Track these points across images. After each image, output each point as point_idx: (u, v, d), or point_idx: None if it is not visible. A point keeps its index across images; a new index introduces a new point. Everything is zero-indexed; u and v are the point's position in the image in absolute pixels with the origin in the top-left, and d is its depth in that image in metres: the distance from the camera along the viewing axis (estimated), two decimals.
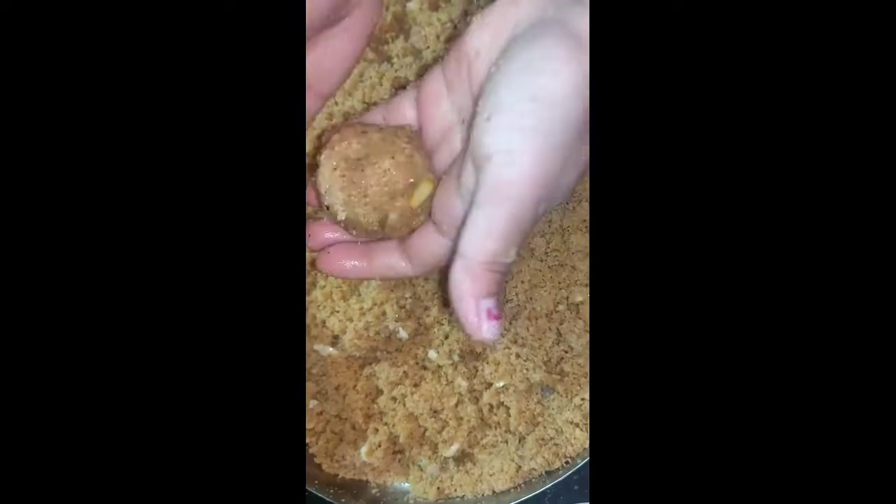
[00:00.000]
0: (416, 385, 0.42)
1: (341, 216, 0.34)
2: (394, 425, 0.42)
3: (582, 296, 0.40)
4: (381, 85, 0.42)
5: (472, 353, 0.41)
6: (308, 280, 0.43)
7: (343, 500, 0.41)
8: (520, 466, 0.40)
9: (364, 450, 0.42)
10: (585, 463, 0.38)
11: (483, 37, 0.31)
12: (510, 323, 0.40)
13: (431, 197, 0.35)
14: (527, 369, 0.40)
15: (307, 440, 0.43)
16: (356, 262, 0.37)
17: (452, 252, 0.30)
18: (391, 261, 0.37)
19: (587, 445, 0.39)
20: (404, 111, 0.36)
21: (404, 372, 0.42)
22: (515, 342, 0.40)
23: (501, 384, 0.40)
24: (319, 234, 0.38)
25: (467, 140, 0.31)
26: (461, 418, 0.41)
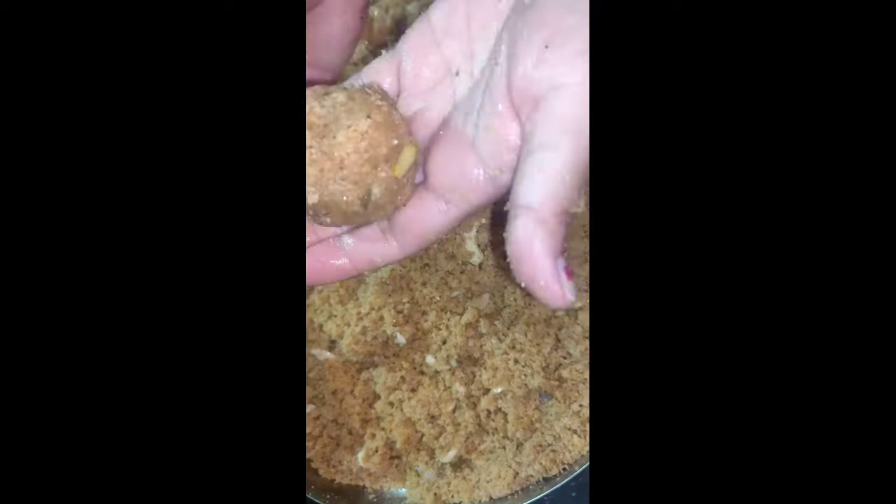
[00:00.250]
0: (413, 390, 0.41)
1: (312, 199, 0.29)
2: (391, 430, 0.41)
3: (581, 301, 0.40)
4: None
5: (470, 359, 0.41)
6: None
7: None
8: (517, 473, 0.39)
9: (361, 455, 0.42)
10: (583, 470, 0.38)
11: None
12: (508, 328, 0.40)
13: (416, 165, 0.30)
14: (525, 375, 0.39)
15: None
16: (337, 261, 0.32)
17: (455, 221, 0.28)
18: (376, 247, 0.32)
19: (585, 452, 0.39)
20: (381, 76, 0.32)
21: (402, 377, 0.41)
22: (513, 348, 0.40)
23: (499, 390, 0.40)
24: None
25: (475, 89, 0.28)
26: (458, 424, 0.40)
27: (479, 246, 0.42)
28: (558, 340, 0.40)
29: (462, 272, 0.41)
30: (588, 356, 0.39)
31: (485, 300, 0.41)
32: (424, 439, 0.41)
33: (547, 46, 0.25)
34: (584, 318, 0.40)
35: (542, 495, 0.38)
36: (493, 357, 0.40)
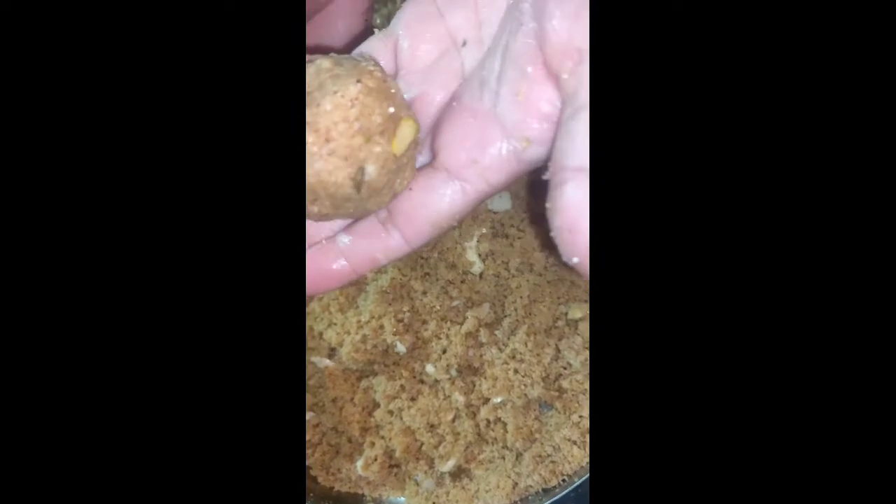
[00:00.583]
0: (413, 399, 0.41)
1: None
2: (390, 439, 0.41)
3: (581, 312, 0.40)
4: None
5: (470, 368, 0.41)
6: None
7: None
8: (516, 483, 0.39)
9: (360, 463, 0.42)
10: (583, 481, 0.38)
11: None
12: (508, 338, 0.40)
13: (416, 143, 0.27)
14: (525, 385, 0.39)
15: None
16: (334, 265, 0.29)
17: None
18: (377, 242, 0.29)
19: (584, 463, 0.39)
20: (376, 54, 0.29)
21: (401, 385, 0.41)
22: (513, 357, 0.40)
23: (499, 399, 0.40)
24: None
25: (489, 57, 0.26)
26: (458, 433, 0.40)
27: (479, 255, 0.41)
28: (558, 351, 0.40)
29: (462, 282, 0.41)
30: (588, 367, 0.39)
31: (485, 310, 0.41)
32: (424, 448, 0.41)
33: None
34: (585, 328, 0.40)
35: None
36: (493, 367, 0.40)
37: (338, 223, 0.30)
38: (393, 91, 0.26)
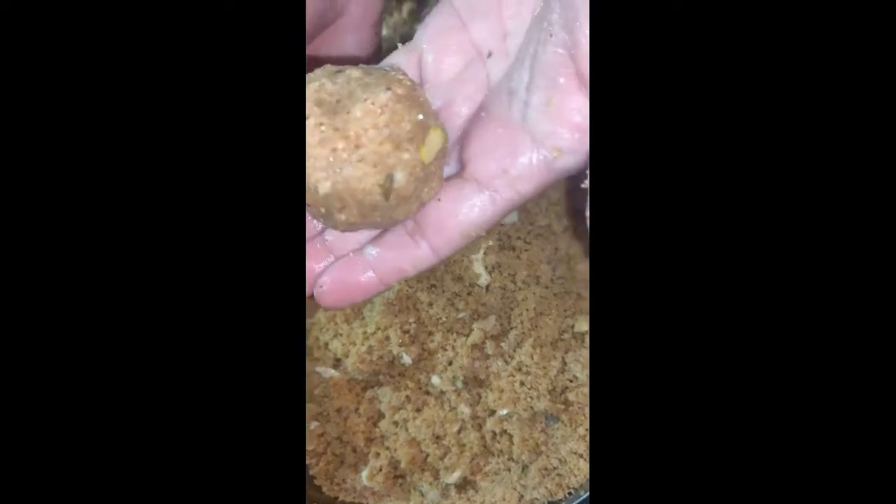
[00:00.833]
0: (418, 410, 0.41)
1: (324, 188, 0.25)
2: (395, 450, 0.41)
3: (587, 325, 0.40)
4: None
5: (476, 380, 0.41)
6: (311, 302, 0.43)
7: None
8: (522, 496, 0.39)
9: (365, 474, 0.42)
10: (588, 494, 0.38)
11: None
12: (514, 350, 0.40)
13: (444, 152, 0.27)
14: (531, 398, 0.39)
15: (307, 461, 0.43)
16: (362, 277, 0.29)
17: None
18: (405, 253, 0.29)
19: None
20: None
21: (407, 396, 0.41)
22: (520, 370, 0.40)
23: (505, 412, 0.40)
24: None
25: (517, 67, 0.26)
26: (464, 445, 0.40)
27: (486, 268, 0.41)
28: (565, 363, 0.40)
29: (469, 294, 0.41)
30: None
31: (491, 322, 0.41)
32: (429, 459, 0.41)
33: None
34: None
35: None
36: (499, 379, 0.40)
37: (364, 235, 0.30)
38: (422, 99, 0.27)
